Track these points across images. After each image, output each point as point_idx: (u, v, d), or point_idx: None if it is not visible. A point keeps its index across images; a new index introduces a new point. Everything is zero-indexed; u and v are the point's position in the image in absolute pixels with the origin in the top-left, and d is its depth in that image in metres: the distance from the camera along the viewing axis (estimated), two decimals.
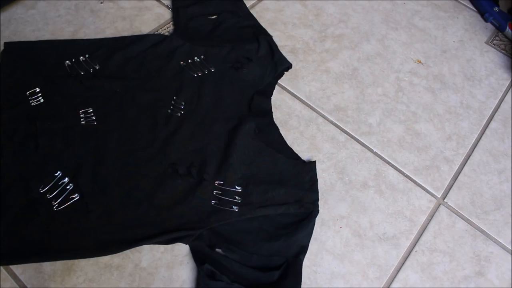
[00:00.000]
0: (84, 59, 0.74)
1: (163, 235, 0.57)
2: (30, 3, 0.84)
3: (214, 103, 0.71)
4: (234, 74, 0.74)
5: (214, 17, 0.83)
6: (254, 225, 0.60)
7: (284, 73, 0.78)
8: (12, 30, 0.79)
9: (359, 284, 0.58)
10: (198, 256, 0.57)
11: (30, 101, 0.67)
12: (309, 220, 0.61)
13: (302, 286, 0.57)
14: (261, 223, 0.60)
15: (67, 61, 0.73)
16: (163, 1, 0.88)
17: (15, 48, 0.74)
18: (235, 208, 0.60)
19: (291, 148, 0.69)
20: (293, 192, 0.63)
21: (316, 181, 0.65)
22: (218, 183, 0.62)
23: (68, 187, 0.60)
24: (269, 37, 0.81)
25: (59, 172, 0.61)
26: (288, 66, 0.79)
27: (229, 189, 0.62)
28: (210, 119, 0.69)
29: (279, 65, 0.78)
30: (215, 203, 0.60)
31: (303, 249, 0.59)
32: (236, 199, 0.61)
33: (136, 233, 0.57)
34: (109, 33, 0.81)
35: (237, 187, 0.62)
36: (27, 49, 0.74)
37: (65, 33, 0.80)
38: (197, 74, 0.74)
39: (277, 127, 0.71)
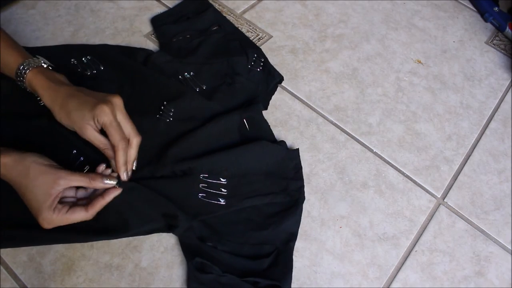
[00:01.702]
0: (87, 59, 0.73)
1: (153, 222, 0.58)
2: (30, 3, 0.84)
3: (205, 111, 0.69)
4: (226, 89, 0.73)
5: (199, 37, 0.80)
6: (242, 216, 0.61)
7: (277, 87, 0.77)
8: (12, 30, 0.79)
9: (359, 284, 0.58)
10: (188, 250, 0.58)
11: (40, 102, 0.67)
12: (296, 207, 0.62)
13: (302, 286, 0.57)
14: (248, 214, 0.61)
15: (72, 59, 0.73)
16: (163, 1, 0.88)
17: None
18: (222, 201, 0.61)
19: (273, 134, 0.69)
20: (278, 182, 0.63)
21: (300, 168, 0.66)
22: (203, 176, 0.62)
23: (85, 169, 0.60)
24: (258, 50, 0.79)
25: (74, 151, 0.61)
26: (280, 79, 0.77)
27: (214, 182, 0.62)
28: (198, 124, 0.67)
29: (270, 80, 0.76)
30: (202, 197, 0.61)
31: (293, 236, 0.60)
32: (222, 191, 0.61)
33: (127, 221, 0.57)
34: (109, 33, 0.81)
35: (222, 179, 0.62)
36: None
37: (65, 33, 0.80)
38: None
39: (265, 119, 0.71)
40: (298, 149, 0.68)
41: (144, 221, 0.58)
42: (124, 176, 0.56)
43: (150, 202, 0.59)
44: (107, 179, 0.54)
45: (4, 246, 0.56)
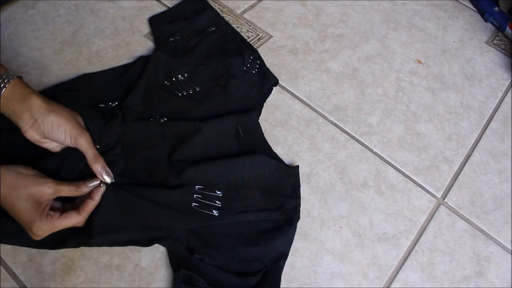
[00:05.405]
0: (111, 105, 0.70)
1: (142, 235, 0.57)
2: (30, 3, 0.84)
3: (198, 120, 0.68)
4: (219, 92, 0.72)
5: (196, 38, 0.80)
6: (234, 229, 0.59)
7: (272, 89, 0.76)
8: (12, 30, 0.79)
9: (359, 284, 0.58)
10: (175, 261, 0.56)
11: None
12: (290, 226, 0.60)
13: (302, 286, 0.57)
14: (241, 228, 0.60)
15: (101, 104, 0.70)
16: (163, 1, 0.88)
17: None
18: (215, 213, 0.59)
19: (272, 149, 0.68)
20: (275, 199, 0.62)
21: (298, 186, 0.64)
22: (199, 188, 0.61)
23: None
24: (254, 52, 0.79)
25: None
26: (275, 82, 0.77)
27: (209, 194, 0.61)
28: (193, 134, 0.66)
29: (265, 82, 0.75)
30: (195, 206, 0.60)
31: (283, 256, 0.58)
32: (216, 203, 0.60)
33: (117, 233, 0.57)
34: (109, 33, 0.81)
35: (217, 192, 0.61)
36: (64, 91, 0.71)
37: (65, 33, 0.80)
38: (182, 94, 0.72)
39: (260, 126, 0.70)
40: (298, 166, 0.66)
41: (123, 228, 0.57)
42: (107, 180, 0.57)
43: (132, 211, 0.58)
44: (90, 182, 0.55)
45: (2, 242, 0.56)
